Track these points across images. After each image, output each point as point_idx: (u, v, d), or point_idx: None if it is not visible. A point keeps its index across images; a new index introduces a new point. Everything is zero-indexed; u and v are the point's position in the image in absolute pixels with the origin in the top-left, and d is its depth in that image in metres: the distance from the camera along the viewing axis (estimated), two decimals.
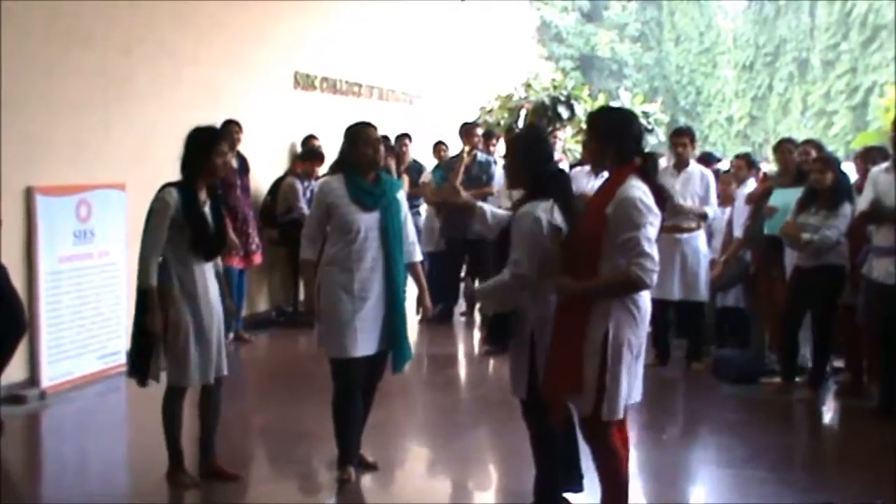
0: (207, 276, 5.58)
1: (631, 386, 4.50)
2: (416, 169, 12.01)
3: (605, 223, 4.36)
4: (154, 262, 5.35)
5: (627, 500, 4.66)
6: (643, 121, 15.81)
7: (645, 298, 4.51)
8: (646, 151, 4.64)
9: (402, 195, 5.79)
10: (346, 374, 5.61)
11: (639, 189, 4.37)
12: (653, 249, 4.30)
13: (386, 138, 11.82)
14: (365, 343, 5.54)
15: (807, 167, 8.10)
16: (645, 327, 4.54)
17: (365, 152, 5.55)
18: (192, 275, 5.46)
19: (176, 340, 5.42)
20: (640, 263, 4.26)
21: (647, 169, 4.52)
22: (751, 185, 9.12)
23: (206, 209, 5.55)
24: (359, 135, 5.60)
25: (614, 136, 4.55)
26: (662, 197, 4.56)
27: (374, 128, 5.67)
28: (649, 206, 4.35)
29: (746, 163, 9.48)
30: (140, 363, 5.51)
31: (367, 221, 5.52)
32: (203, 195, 5.55)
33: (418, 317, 5.91)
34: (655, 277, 4.33)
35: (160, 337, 5.40)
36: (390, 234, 5.57)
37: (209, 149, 5.49)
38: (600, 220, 4.39)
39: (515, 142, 5.50)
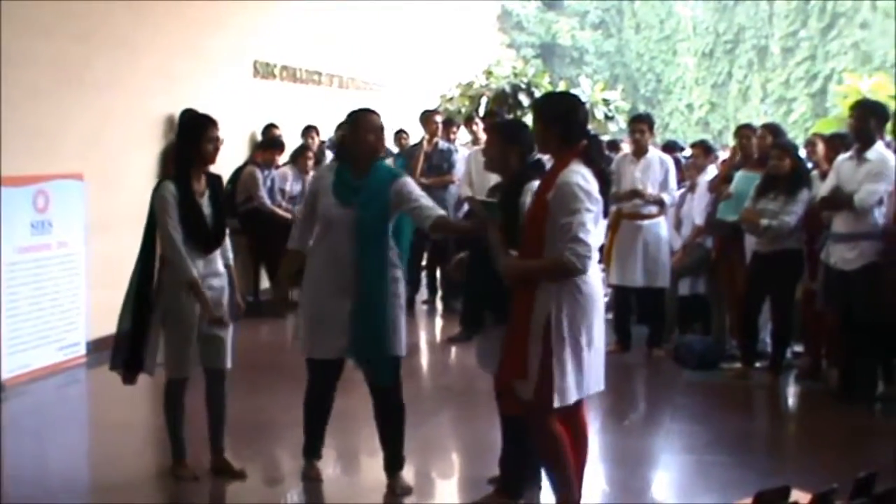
0: (209, 267, 5.44)
1: (584, 374, 4.50)
2: (387, 156, 11.95)
3: (547, 208, 4.39)
4: (184, 255, 5.23)
5: (572, 486, 4.66)
6: (604, 108, 15.86)
7: (591, 284, 4.48)
8: (590, 135, 4.68)
9: (397, 184, 5.21)
10: (311, 372, 5.50)
11: (578, 174, 4.38)
12: (587, 235, 4.30)
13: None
14: (327, 346, 5.30)
15: (762, 151, 8.24)
16: (592, 313, 4.50)
17: (367, 139, 5.22)
18: (196, 266, 5.33)
19: (174, 332, 5.35)
20: (572, 249, 4.27)
21: (591, 153, 4.53)
22: (711, 171, 9.17)
23: (205, 199, 5.43)
24: (361, 121, 5.28)
25: (558, 121, 4.57)
26: (606, 182, 4.58)
27: (377, 114, 5.34)
28: (588, 191, 4.36)
29: (703, 150, 9.50)
30: (131, 357, 5.38)
31: (342, 216, 5.19)
32: (201, 185, 5.43)
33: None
34: (589, 263, 4.35)
35: (184, 327, 5.35)
36: (364, 231, 5.18)
37: (198, 136, 5.37)
38: (543, 205, 4.42)
39: (498, 128, 5.48)
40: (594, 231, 4.39)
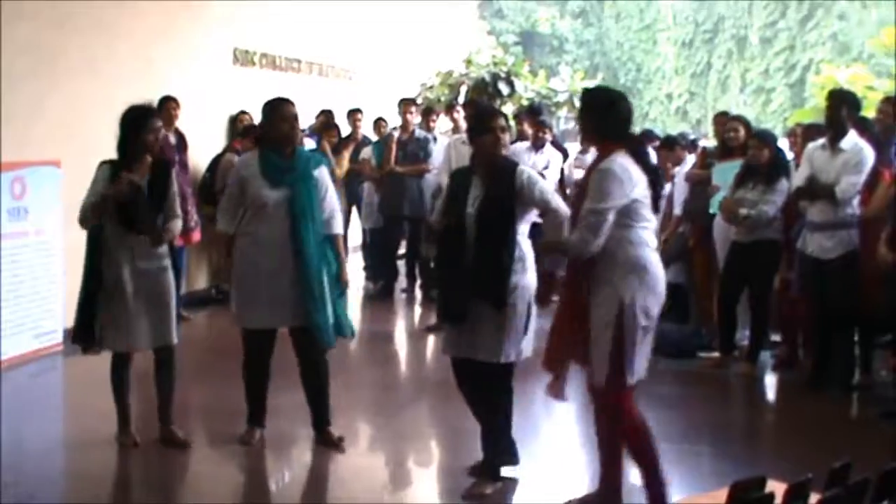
0: (143, 248, 5.69)
1: (645, 354, 4.75)
2: (365, 144, 11.93)
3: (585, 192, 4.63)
4: (90, 211, 5.53)
5: (659, 467, 4.84)
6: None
7: (656, 265, 4.69)
8: (640, 133, 4.92)
9: (321, 171, 5.83)
10: (248, 343, 5.92)
11: (616, 163, 4.57)
12: (598, 222, 4.49)
13: (329, 113, 11.75)
14: (264, 316, 5.73)
15: (733, 143, 8.26)
16: (659, 294, 4.71)
17: (281, 127, 5.67)
18: (129, 246, 5.64)
19: (111, 306, 5.64)
20: (578, 233, 4.56)
21: (639, 149, 4.79)
22: (690, 161, 9.18)
23: (143, 185, 5.65)
24: (275, 110, 5.71)
25: (601, 113, 4.77)
26: (656, 176, 4.79)
27: (292, 103, 5.76)
28: (622, 180, 4.52)
29: (668, 148, 9.47)
30: (85, 328, 5.73)
31: (276, 197, 5.63)
32: (142, 171, 5.67)
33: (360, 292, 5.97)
34: (588, 250, 4.54)
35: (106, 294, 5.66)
36: (298, 210, 5.62)
37: (140, 126, 5.64)
38: (583, 191, 4.66)
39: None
40: (609, 220, 4.52)
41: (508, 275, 4.97)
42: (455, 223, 5.10)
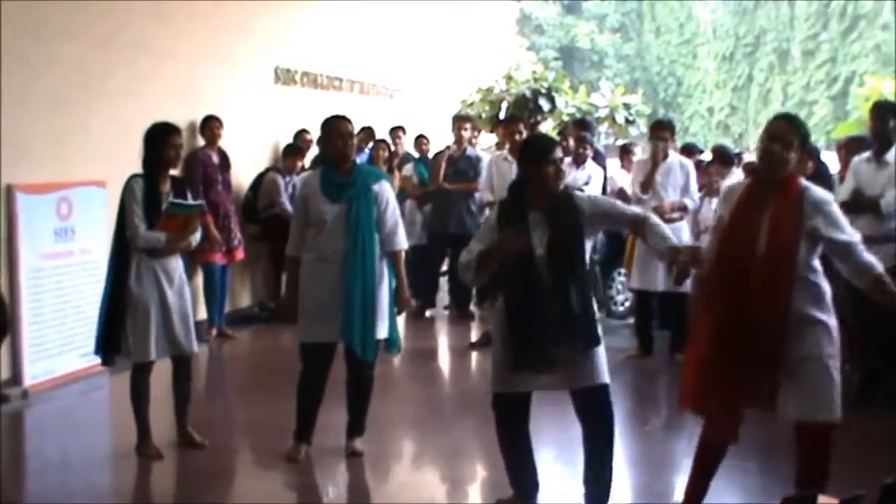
0: (174, 260, 6.02)
1: None
2: (407, 161, 11.95)
3: (799, 223, 4.42)
4: (145, 229, 5.82)
5: None
6: (624, 112, 15.82)
7: None
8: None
9: (381, 186, 5.91)
10: (305, 357, 5.97)
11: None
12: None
13: (370, 130, 11.81)
14: (322, 330, 5.81)
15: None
16: None
17: (335, 144, 5.80)
18: (157, 259, 5.91)
19: (136, 318, 5.84)
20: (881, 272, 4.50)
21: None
22: (737, 175, 9.14)
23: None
24: (330, 128, 5.86)
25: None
26: None
27: (347, 120, 5.90)
28: None
29: (721, 159, 9.43)
30: (108, 340, 5.98)
31: (335, 212, 5.76)
32: (166, 187, 5.98)
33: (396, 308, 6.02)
34: None
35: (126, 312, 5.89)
36: (356, 225, 5.73)
37: (161, 142, 5.91)
38: (794, 226, 4.44)
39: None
40: None
41: (594, 311, 4.72)
42: (522, 267, 4.64)
